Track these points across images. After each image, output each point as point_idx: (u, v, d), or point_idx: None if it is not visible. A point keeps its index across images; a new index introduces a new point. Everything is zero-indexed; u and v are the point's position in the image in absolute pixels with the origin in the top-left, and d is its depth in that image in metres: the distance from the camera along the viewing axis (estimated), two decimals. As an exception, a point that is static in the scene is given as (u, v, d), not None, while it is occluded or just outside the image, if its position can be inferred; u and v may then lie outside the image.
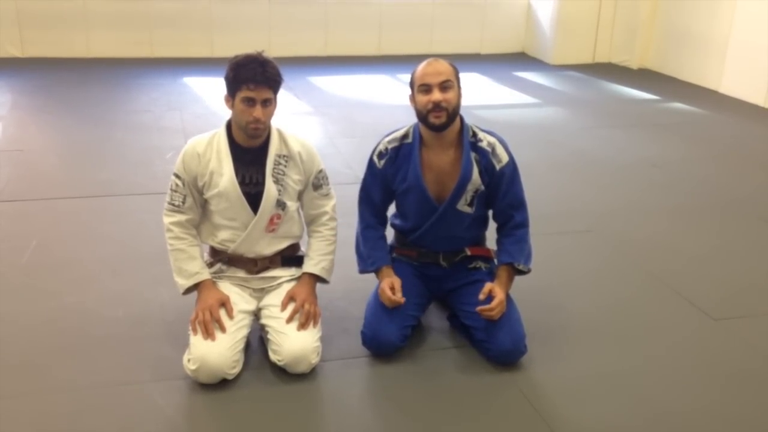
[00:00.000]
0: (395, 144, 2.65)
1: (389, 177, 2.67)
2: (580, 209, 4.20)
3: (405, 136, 2.65)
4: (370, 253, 2.71)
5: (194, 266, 2.56)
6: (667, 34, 8.17)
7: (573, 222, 4.00)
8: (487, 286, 2.55)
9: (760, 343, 2.83)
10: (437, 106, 2.47)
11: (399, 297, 2.57)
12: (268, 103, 2.45)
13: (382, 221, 2.81)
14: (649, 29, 8.38)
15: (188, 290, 2.58)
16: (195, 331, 2.43)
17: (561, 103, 6.89)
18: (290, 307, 2.53)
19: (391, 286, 2.59)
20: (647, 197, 4.44)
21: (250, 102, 2.41)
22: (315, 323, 2.53)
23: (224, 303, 2.50)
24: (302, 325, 2.49)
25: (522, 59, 8.93)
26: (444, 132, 2.55)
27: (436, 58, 2.55)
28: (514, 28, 9.14)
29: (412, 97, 2.58)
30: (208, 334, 2.40)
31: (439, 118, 2.50)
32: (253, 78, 2.38)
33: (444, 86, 2.48)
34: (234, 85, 2.42)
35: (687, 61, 7.86)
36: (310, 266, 2.65)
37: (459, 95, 2.54)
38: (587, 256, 3.60)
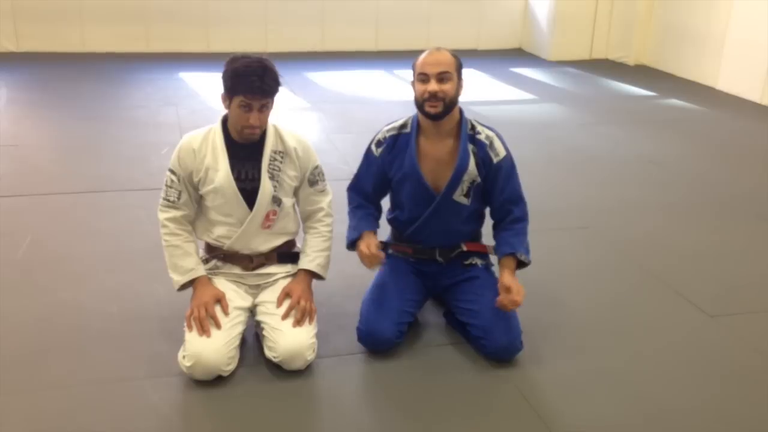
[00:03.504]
0: (393, 133, 2.67)
1: (386, 165, 2.68)
2: (577, 206, 4.19)
3: (403, 125, 2.67)
4: (356, 224, 2.70)
5: (189, 262, 2.55)
6: (664, 31, 8.17)
7: (570, 218, 3.99)
8: (502, 284, 2.51)
9: (756, 340, 2.83)
10: (433, 96, 2.48)
11: (376, 251, 2.54)
12: (265, 108, 2.44)
13: (374, 207, 2.79)
14: (646, 25, 8.38)
15: (183, 286, 2.56)
16: (190, 327, 2.42)
17: (558, 100, 6.88)
18: (286, 304, 2.52)
19: (367, 245, 2.56)
20: (644, 194, 4.43)
21: (247, 107, 2.40)
22: (311, 320, 2.52)
23: (220, 299, 2.49)
24: (298, 322, 2.47)
25: (519, 55, 8.92)
26: (442, 121, 2.56)
27: (438, 47, 2.56)
28: (511, 24, 9.13)
29: (413, 84, 2.59)
30: (204, 331, 2.39)
31: (435, 108, 2.50)
32: (251, 90, 2.37)
33: (441, 77, 2.49)
34: (231, 91, 2.41)
35: (684, 57, 7.86)
36: (305, 263, 2.64)
37: (459, 86, 2.55)
38: (584, 253, 3.60)
